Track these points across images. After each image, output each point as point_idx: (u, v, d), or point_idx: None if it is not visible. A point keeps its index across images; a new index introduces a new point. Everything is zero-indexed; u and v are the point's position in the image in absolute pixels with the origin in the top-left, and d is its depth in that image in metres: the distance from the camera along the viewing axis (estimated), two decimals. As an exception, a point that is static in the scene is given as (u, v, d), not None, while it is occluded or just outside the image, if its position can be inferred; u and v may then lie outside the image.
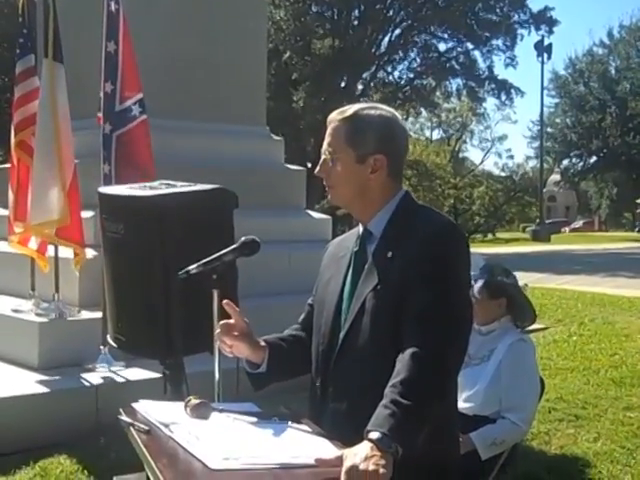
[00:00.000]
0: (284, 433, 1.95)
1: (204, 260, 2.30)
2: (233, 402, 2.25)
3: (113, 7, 5.30)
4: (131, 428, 2.00)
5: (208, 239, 2.97)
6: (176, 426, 1.94)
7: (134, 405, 2.15)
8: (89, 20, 6.29)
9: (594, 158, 44.38)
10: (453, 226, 2.12)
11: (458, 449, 2.22)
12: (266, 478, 1.69)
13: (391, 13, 30.84)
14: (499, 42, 32.18)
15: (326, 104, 25.61)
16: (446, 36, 32.12)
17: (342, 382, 2.09)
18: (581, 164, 45.46)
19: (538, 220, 41.48)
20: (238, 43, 7.81)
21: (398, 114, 2.25)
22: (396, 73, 33.51)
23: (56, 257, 5.58)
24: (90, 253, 5.68)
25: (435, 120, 56.37)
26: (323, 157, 2.18)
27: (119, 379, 5.05)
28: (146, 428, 1.97)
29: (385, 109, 2.20)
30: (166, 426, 1.95)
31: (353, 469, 1.66)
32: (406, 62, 32.83)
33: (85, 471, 4.13)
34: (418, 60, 32.70)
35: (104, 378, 5.03)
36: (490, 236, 53.55)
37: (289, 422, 2.04)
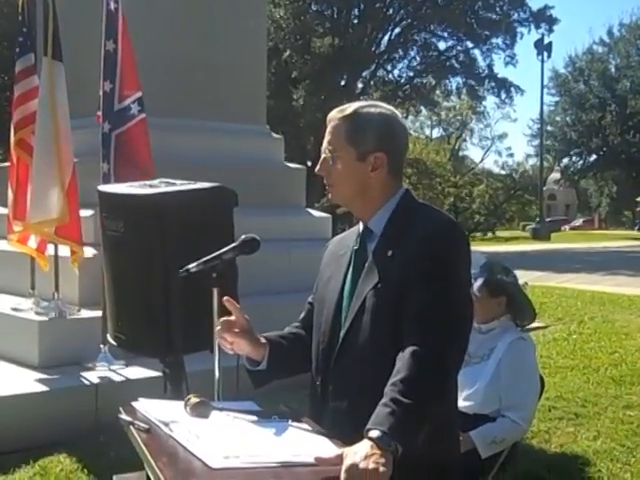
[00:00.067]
0: (284, 432, 1.94)
1: (204, 258, 2.30)
2: (233, 401, 2.25)
3: (112, 6, 5.30)
4: (131, 427, 1.99)
5: (208, 237, 2.96)
6: (176, 425, 1.94)
7: (134, 404, 2.15)
8: (89, 19, 6.29)
9: (594, 156, 44.36)
10: (453, 224, 2.11)
11: (458, 448, 2.22)
12: (266, 477, 1.68)
13: (391, 12, 30.85)
14: (499, 40, 32.23)
15: (326, 102, 25.61)
16: (446, 34, 32.14)
17: (342, 381, 2.09)
18: (581, 162, 45.44)
19: (538, 218, 41.51)
20: (238, 42, 7.80)
21: (398, 112, 2.25)
22: (396, 72, 33.57)
23: (56, 256, 5.58)
24: (90, 252, 5.68)
25: (435, 118, 56.42)
26: (323, 156, 2.18)
27: (119, 378, 5.05)
28: (146, 427, 1.96)
29: (385, 107, 2.20)
30: (166, 425, 1.95)
31: (353, 467, 1.66)
32: (406, 60, 32.89)
33: (85, 470, 4.13)
34: (418, 58, 32.73)
35: (104, 377, 5.03)
36: (490, 234, 53.50)
37: (289, 421, 2.03)
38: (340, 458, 1.71)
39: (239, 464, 1.72)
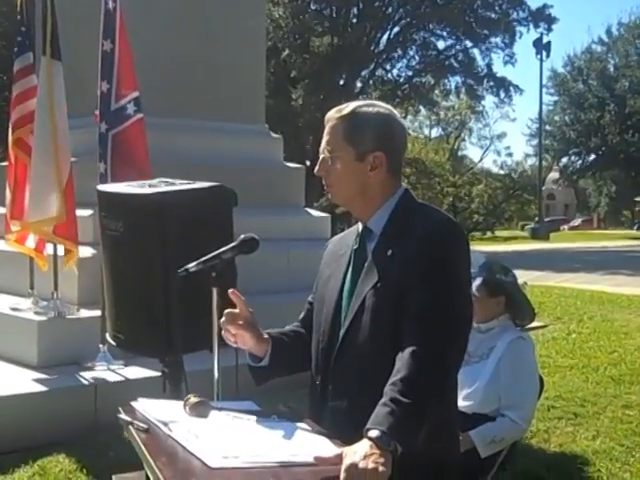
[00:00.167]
0: (283, 431, 1.94)
1: (203, 258, 2.30)
2: (232, 400, 2.24)
3: (111, 5, 5.29)
4: (130, 427, 1.99)
5: (207, 237, 2.96)
6: (175, 424, 1.94)
7: (133, 403, 2.15)
8: (88, 18, 6.28)
9: (593, 156, 44.35)
10: (453, 224, 2.11)
11: (458, 447, 2.22)
12: (265, 476, 1.68)
13: (390, 11, 30.85)
14: (498, 40, 32.23)
15: (325, 102, 25.62)
16: (445, 34, 32.15)
17: (342, 380, 2.09)
18: (580, 162, 45.41)
19: (537, 218, 41.53)
20: (237, 41, 7.81)
21: (396, 111, 2.25)
22: (395, 71, 33.58)
23: (55, 255, 5.58)
24: (89, 251, 5.68)
25: (434, 118, 56.46)
26: (322, 156, 2.17)
27: (118, 377, 5.04)
28: (145, 427, 1.96)
29: (383, 106, 2.20)
30: (165, 424, 1.95)
31: (352, 467, 1.66)
32: (405, 60, 32.89)
33: (84, 470, 4.13)
34: (417, 58, 32.73)
35: (103, 376, 5.03)
36: (489, 234, 53.53)
37: (288, 420, 2.03)
38: (339, 458, 1.70)
39: (238, 464, 1.71)
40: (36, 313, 5.49)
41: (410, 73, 33.18)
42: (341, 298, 2.16)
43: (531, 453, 4.39)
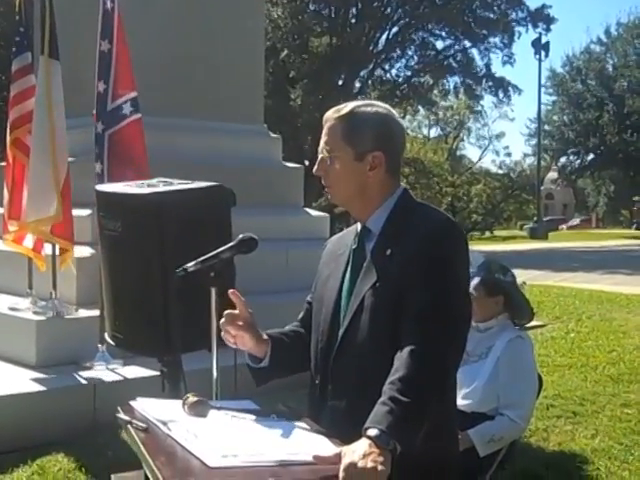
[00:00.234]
0: (282, 431, 1.94)
1: (202, 258, 2.30)
2: (231, 400, 2.24)
3: (109, 5, 5.29)
4: (129, 426, 1.99)
5: (206, 237, 2.96)
6: (174, 424, 1.94)
7: (132, 403, 2.14)
8: (87, 18, 6.28)
9: (591, 155, 44.38)
10: (452, 223, 2.11)
11: (457, 446, 2.22)
12: (264, 475, 1.68)
13: (389, 11, 30.83)
14: (496, 40, 32.20)
15: (324, 102, 25.59)
16: (444, 34, 32.13)
17: (341, 380, 2.09)
18: (578, 161, 45.45)
19: (536, 218, 41.53)
20: (236, 41, 7.80)
21: (394, 111, 2.25)
22: (393, 71, 33.55)
23: (53, 255, 5.57)
24: (87, 251, 5.68)
25: (433, 118, 56.47)
26: (320, 156, 2.17)
27: (117, 377, 5.04)
28: (144, 426, 1.96)
29: (381, 106, 2.20)
30: (164, 424, 1.95)
31: (351, 466, 1.66)
32: (404, 60, 32.86)
33: (83, 469, 4.13)
34: (416, 58, 32.71)
35: (102, 376, 5.02)
36: (488, 234, 53.56)
37: (287, 420, 2.03)
38: (338, 457, 1.70)
39: (237, 463, 1.71)
40: (35, 313, 5.49)
41: (409, 73, 33.19)
42: (340, 298, 2.16)
43: (530, 452, 4.39)
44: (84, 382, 4.93)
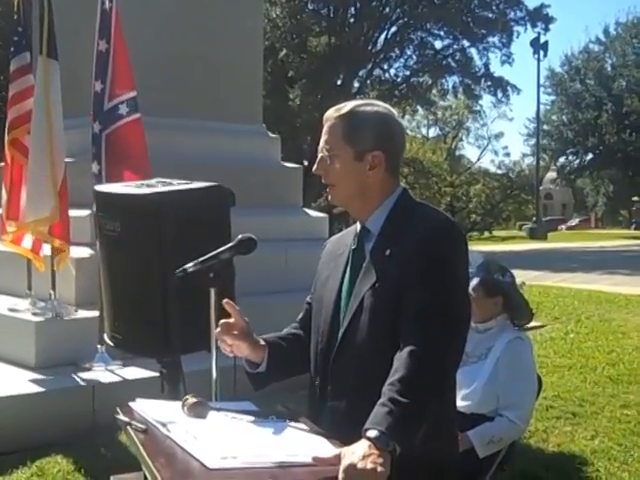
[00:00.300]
0: (282, 432, 1.94)
1: (201, 258, 2.30)
2: (231, 401, 2.24)
3: (107, 5, 5.29)
4: (128, 427, 1.99)
5: (205, 237, 2.96)
6: (173, 425, 1.94)
7: (131, 404, 2.14)
8: (86, 18, 6.26)
9: (590, 155, 44.43)
10: (451, 223, 2.11)
11: (457, 447, 2.21)
12: (264, 477, 1.68)
13: (387, 10, 30.84)
14: (495, 39, 32.21)
15: (322, 102, 25.59)
16: (442, 33, 32.14)
17: (341, 380, 2.08)
18: (577, 161, 45.51)
19: (535, 218, 41.51)
20: (235, 41, 7.80)
21: (394, 110, 2.25)
22: (392, 71, 33.55)
23: (52, 256, 5.56)
24: (86, 252, 5.67)
25: (431, 118, 56.50)
26: (320, 155, 2.17)
27: (116, 378, 5.03)
28: (143, 427, 1.96)
29: (381, 105, 2.20)
30: (163, 425, 1.95)
31: (351, 467, 1.66)
32: (402, 59, 32.88)
33: (82, 471, 4.12)
34: (414, 57, 32.73)
35: (101, 377, 5.02)
36: (487, 234, 53.57)
37: (287, 421, 2.03)
38: (338, 458, 1.70)
39: (237, 464, 1.71)
40: (34, 314, 5.48)
41: (407, 73, 33.19)
42: (339, 298, 2.16)
43: (529, 453, 4.39)
44: (83, 383, 4.92)
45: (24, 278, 5.97)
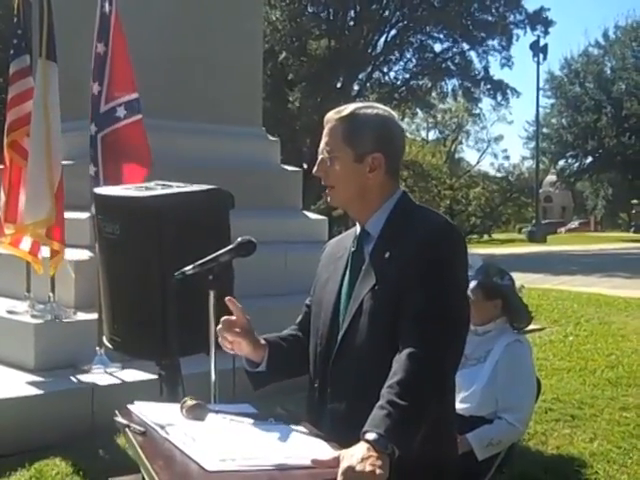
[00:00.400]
0: (280, 434, 1.94)
1: (200, 261, 2.30)
2: (229, 403, 2.24)
3: (107, 8, 5.29)
4: (127, 430, 1.99)
5: (204, 240, 2.95)
6: (172, 427, 1.94)
7: (130, 407, 2.14)
8: (85, 20, 6.26)
9: (590, 158, 44.44)
10: (451, 226, 2.11)
11: (456, 450, 2.21)
12: (262, 479, 1.68)
13: (387, 13, 30.86)
14: (495, 42, 32.22)
15: (322, 105, 25.60)
16: (442, 36, 32.15)
17: (340, 383, 2.08)
18: (577, 164, 45.51)
19: (534, 221, 41.51)
20: (235, 44, 7.81)
21: (395, 113, 2.25)
22: (392, 74, 33.56)
23: (51, 258, 5.56)
24: (86, 254, 5.67)
25: (431, 121, 56.55)
26: (321, 156, 2.17)
27: (115, 380, 5.03)
28: (142, 430, 1.96)
29: (382, 108, 2.20)
30: (162, 427, 1.95)
31: (349, 470, 1.66)
32: (402, 63, 32.89)
33: (81, 473, 4.11)
34: (414, 61, 32.74)
35: (100, 380, 5.01)
36: (486, 237, 53.58)
37: (285, 423, 2.03)
38: (336, 460, 1.70)
39: (235, 467, 1.71)
40: (33, 316, 5.47)
41: (407, 76, 33.21)
42: (339, 301, 2.16)
43: (528, 456, 4.38)
44: (82, 386, 4.91)
45: (23, 280, 5.96)
